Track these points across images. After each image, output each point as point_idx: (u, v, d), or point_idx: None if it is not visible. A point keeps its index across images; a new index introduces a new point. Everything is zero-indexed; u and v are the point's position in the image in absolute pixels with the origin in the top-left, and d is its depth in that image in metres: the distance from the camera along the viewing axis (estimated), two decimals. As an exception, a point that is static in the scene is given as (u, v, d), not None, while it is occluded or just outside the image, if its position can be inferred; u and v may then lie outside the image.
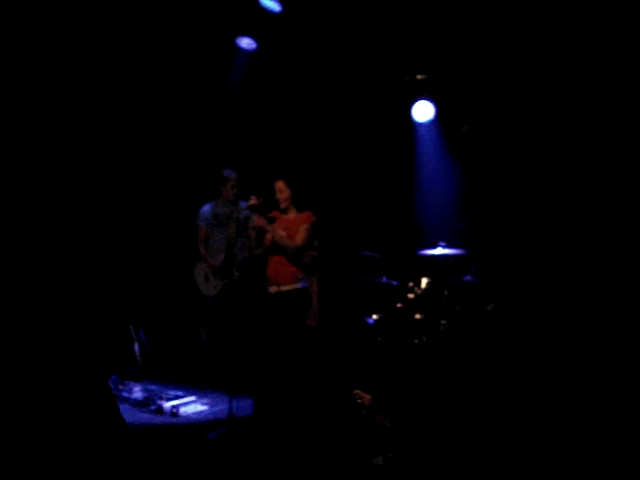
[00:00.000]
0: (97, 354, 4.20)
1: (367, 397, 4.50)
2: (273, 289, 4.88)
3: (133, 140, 6.26)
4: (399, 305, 5.68)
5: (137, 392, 5.36)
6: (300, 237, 4.84)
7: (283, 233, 4.85)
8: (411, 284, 5.67)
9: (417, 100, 6.22)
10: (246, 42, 6.03)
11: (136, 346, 6.14)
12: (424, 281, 5.64)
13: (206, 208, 6.09)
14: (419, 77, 6.23)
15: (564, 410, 4.32)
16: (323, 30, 5.81)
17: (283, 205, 4.95)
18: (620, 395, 4.32)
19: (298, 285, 4.90)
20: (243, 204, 5.97)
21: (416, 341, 5.39)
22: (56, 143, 5.13)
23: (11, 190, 4.52)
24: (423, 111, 6.24)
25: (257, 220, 4.82)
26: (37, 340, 3.60)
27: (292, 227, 4.88)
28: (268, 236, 4.84)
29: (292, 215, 4.97)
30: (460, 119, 6.32)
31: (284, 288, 4.86)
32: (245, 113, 6.57)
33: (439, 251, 5.60)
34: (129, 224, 6.31)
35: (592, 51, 5.39)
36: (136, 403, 5.19)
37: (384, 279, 5.87)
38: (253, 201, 4.82)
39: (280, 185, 4.96)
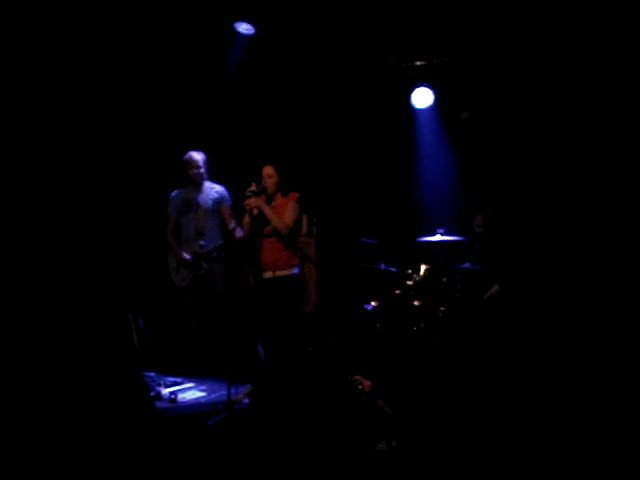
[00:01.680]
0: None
1: (367, 383, 4.51)
2: (268, 274, 4.85)
3: (130, 128, 6.21)
4: (398, 292, 5.67)
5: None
6: (288, 215, 4.82)
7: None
8: (410, 271, 5.66)
9: (416, 87, 6.19)
10: (244, 27, 5.98)
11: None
12: (423, 268, 5.63)
13: (174, 194, 5.92)
14: (418, 63, 6.21)
15: (564, 399, 4.33)
16: (322, 15, 5.77)
17: (270, 191, 4.90)
18: (621, 391, 4.33)
19: (293, 271, 4.89)
20: (216, 185, 5.83)
21: (415, 328, 5.39)
22: (49, 137, 5.09)
23: (7, 187, 4.50)
24: (422, 98, 6.21)
25: (255, 200, 4.76)
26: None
27: (280, 211, 4.85)
28: (269, 216, 4.78)
29: (278, 200, 4.94)
30: (459, 106, 6.31)
31: (279, 273, 4.84)
32: (242, 99, 6.52)
33: (438, 238, 5.60)
34: (126, 211, 6.26)
35: (593, 38, 5.37)
36: (134, 390, 5.17)
37: (382, 266, 5.85)
38: (253, 188, 4.79)
39: (269, 170, 4.90)
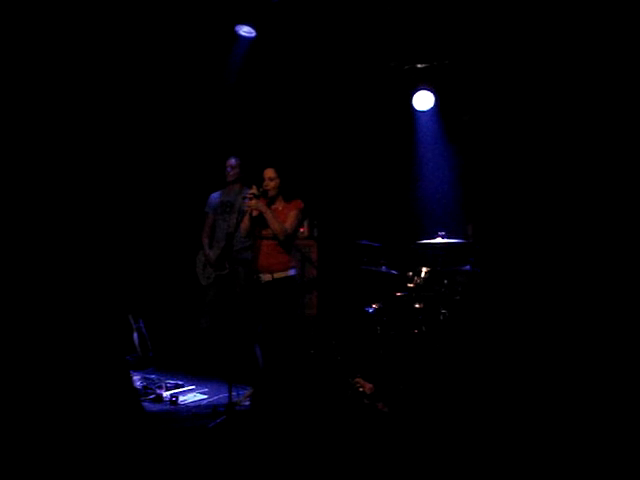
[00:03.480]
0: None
1: (368, 386, 4.51)
2: (266, 277, 4.85)
3: (132, 129, 6.22)
4: (399, 294, 5.67)
5: (136, 381, 5.36)
6: (289, 222, 4.79)
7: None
8: (411, 273, 5.66)
9: (417, 89, 6.20)
10: (245, 30, 6.00)
11: (135, 335, 6.14)
12: (424, 270, 5.62)
13: (214, 196, 5.99)
14: (419, 66, 6.21)
15: (562, 400, 4.33)
16: (323, 18, 5.78)
17: (271, 193, 4.88)
18: (620, 389, 4.33)
19: (290, 273, 4.86)
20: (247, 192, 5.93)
21: (416, 330, 5.39)
22: (56, 133, 5.10)
23: (9, 184, 4.49)
24: (423, 100, 6.22)
25: (256, 203, 4.75)
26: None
27: (281, 216, 4.83)
28: (269, 220, 4.77)
29: (280, 204, 4.91)
30: (461, 108, 6.31)
31: (277, 275, 4.82)
32: (244, 101, 6.54)
33: (439, 240, 5.60)
34: (128, 213, 6.28)
35: (593, 42, 5.38)
36: (135, 392, 5.18)
37: (384, 268, 5.85)
38: (254, 190, 4.78)
39: (270, 173, 4.87)
